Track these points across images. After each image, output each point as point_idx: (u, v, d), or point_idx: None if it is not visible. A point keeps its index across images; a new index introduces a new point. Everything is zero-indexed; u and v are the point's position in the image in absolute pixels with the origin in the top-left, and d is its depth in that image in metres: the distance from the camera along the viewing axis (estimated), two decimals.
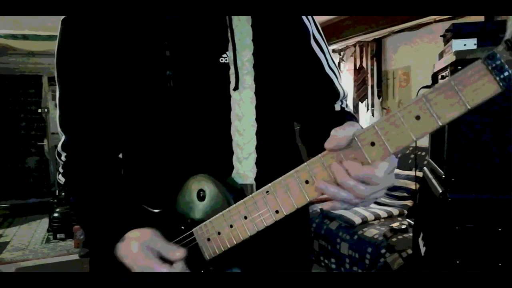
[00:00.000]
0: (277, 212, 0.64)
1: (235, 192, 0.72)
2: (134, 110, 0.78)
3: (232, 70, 0.75)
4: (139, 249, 0.69)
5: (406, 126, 0.53)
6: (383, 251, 2.65)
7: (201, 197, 0.73)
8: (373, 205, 3.36)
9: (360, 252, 2.81)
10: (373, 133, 0.55)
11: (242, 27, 0.75)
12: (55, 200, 4.72)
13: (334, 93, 0.85)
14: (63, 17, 0.79)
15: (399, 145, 0.54)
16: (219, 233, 0.70)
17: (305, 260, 0.92)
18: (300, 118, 0.89)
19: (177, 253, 0.70)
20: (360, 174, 0.56)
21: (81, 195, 0.82)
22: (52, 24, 3.69)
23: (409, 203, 3.22)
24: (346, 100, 0.91)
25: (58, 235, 4.50)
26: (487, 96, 0.49)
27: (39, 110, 6.18)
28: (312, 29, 0.82)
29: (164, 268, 0.68)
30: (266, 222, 0.66)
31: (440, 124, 0.52)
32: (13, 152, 6.20)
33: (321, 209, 3.41)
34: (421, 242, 1.92)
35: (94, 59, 0.77)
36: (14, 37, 4.20)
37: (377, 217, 3.10)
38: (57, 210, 4.54)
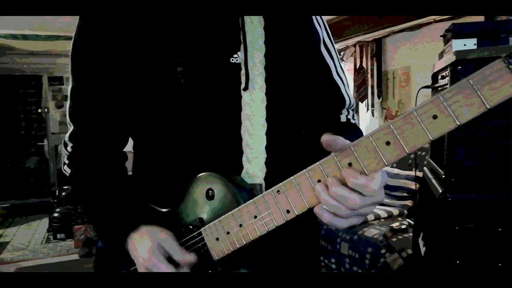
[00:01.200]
0: (288, 212, 0.63)
1: (244, 192, 0.72)
2: (144, 105, 0.78)
3: (243, 71, 0.75)
4: (151, 245, 0.70)
5: (422, 125, 0.52)
6: (383, 251, 2.65)
7: (210, 196, 0.73)
8: None
9: (360, 252, 2.81)
10: (388, 132, 0.54)
11: (254, 30, 0.76)
12: (55, 200, 4.72)
13: (340, 100, 0.85)
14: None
15: (415, 144, 0.53)
16: (228, 233, 0.69)
17: (313, 261, 0.91)
18: (305, 124, 0.89)
19: (186, 257, 0.70)
20: (358, 182, 0.55)
21: (91, 185, 0.82)
22: (52, 24, 3.70)
23: (409, 203, 3.22)
24: (353, 110, 0.90)
25: (58, 235, 4.50)
26: (508, 95, 0.48)
27: (39, 110, 6.19)
28: (322, 34, 0.83)
29: (168, 269, 0.68)
30: (276, 222, 0.64)
31: (459, 123, 0.51)
32: (13, 152, 6.21)
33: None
34: (421, 242, 1.92)
35: (108, 55, 0.77)
36: (14, 37, 4.21)
37: (377, 217, 3.10)
38: (57, 210, 4.54)
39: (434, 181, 1.71)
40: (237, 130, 0.75)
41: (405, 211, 3.19)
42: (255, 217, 0.66)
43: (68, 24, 3.65)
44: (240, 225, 0.68)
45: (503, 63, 0.48)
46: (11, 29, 3.79)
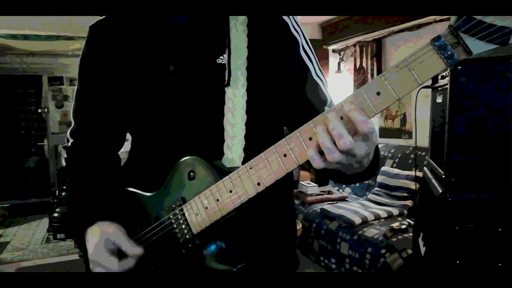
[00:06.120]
0: (258, 184, 0.71)
1: (223, 174, 0.77)
2: (140, 101, 0.89)
3: (227, 70, 0.85)
4: (98, 240, 0.78)
5: (369, 101, 0.61)
6: (383, 251, 2.66)
7: (191, 177, 0.80)
8: (373, 205, 3.36)
9: (360, 252, 2.81)
10: (342, 108, 0.63)
11: (239, 36, 0.86)
12: (55, 200, 4.71)
13: (321, 98, 0.93)
14: (91, 24, 0.93)
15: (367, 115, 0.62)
16: (206, 208, 0.77)
17: (287, 234, 0.97)
18: (290, 123, 0.95)
19: (135, 249, 0.78)
20: (362, 116, 0.62)
21: (77, 177, 0.94)
22: (52, 24, 3.70)
23: (409, 203, 3.22)
24: None
25: (58, 235, 4.49)
26: (436, 72, 0.58)
27: (39, 110, 6.18)
28: (301, 40, 0.92)
29: (111, 261, 0.76)
30: (248, 194, 0.72)
31: (397, 97, 0.60)
32: (13, 152, 6.20)
33: (321, 209, 3.41)
34: (421, 242, 1.92)
35: (111, 62, 0.90)
36: (14, 37, 4.20)
37: (377, 217, 3.10)
38: (57, 210, 4.53)
39: (434, 181, 1.71)
40: (220, 121, 0.84)
41: (405, 211, 3.19)
42: (230, 191, 0.73)
43: (68, 24, 3.65)
44: (217, 200, 0.75)
45: (430, 46, 0.58)
46: (11, 29, 3.79)
